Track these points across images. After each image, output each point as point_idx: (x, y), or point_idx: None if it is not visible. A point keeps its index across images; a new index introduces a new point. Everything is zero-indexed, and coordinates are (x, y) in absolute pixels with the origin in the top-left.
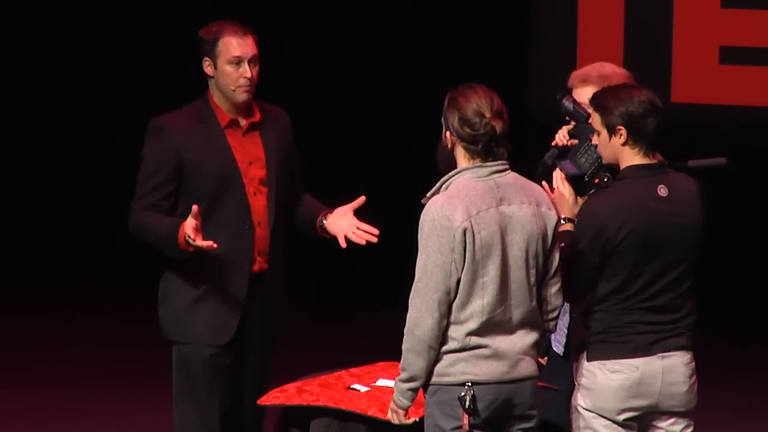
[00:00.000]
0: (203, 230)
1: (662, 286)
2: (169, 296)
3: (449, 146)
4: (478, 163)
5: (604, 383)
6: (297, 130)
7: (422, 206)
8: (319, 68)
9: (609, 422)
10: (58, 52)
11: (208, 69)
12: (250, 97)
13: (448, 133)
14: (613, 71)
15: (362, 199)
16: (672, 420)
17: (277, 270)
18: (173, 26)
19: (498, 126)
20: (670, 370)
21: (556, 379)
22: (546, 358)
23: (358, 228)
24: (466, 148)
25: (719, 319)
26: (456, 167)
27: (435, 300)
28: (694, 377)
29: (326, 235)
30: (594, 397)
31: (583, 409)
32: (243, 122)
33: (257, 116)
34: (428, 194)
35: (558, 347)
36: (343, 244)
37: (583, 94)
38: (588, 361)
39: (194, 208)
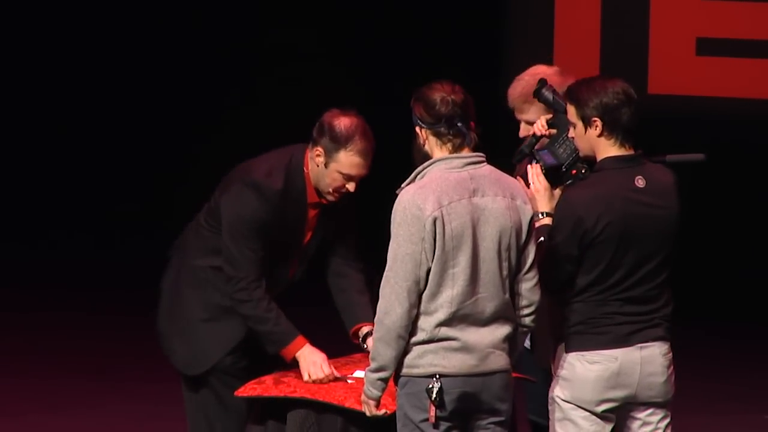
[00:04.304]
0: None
1: (640, 277)
2: (177, 316)
3: (423, 143)
4: (452, 153)
5: (583, 374)
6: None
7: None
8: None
9: (587, 413)
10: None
11: (317, 158)
12: None
13: (418, 128)
14: (545, 74)
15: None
16: (650, 411)
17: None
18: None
19: (458, 98)
20: (648, 361)
21: (525, 372)
22: None
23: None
24: (435, 135)
25: (693, 310)
26: None
27: (405, 289)
28: (672, 368)
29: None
30: (572, 388)
31: (562, 400)
32: (321, 203)
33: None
34: (403, 184)
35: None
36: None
37: (531, 112)
38: (566, 352)
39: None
